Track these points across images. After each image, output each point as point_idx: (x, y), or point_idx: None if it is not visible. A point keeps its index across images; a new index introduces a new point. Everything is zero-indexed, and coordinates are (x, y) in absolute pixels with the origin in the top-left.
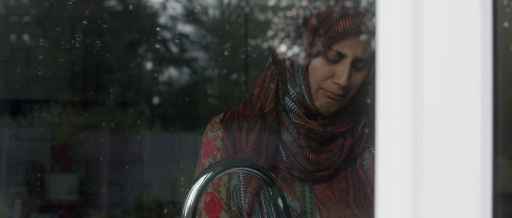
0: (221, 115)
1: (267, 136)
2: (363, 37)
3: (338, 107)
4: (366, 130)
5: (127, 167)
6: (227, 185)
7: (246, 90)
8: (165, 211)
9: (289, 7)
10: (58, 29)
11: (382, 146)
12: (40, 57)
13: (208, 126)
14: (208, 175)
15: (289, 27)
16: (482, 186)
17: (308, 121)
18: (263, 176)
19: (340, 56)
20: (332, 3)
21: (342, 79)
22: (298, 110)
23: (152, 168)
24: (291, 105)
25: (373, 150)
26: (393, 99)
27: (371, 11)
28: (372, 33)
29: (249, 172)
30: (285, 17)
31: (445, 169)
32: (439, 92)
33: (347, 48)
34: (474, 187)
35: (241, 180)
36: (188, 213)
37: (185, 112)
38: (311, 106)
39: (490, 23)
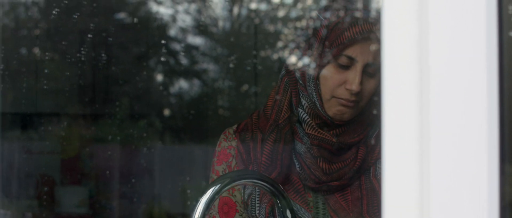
0: (235, 126)
1: (282, 147)
2: (373, 44)
3: (351, 115)
4: (380, 140)
5: (136, 180)
6: (241, 191)
7: (256, 102)
8: None
9: (299, 18)
10: (67, 42)
11: (388, 153)
12: (46, 71)
13: (222, 136)
14: (216, 187)
15: (299, 37)
16: (489, 195)
17: (321, 131)
18: (271, 187)
19: (351, 61)
20: (341, 13)
21: (354, 85)
22: (311, 121)
23: (162, 180)
24: (304, 116)
25: None
26: (399, 107)
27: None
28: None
29: (257, 184)
30: (295, 28)
31: (452, 177)
32: (445, 101)
33: (357, 53)
34: (481, 196)
35: (257, 191)
36: None
37: (195, 123)
38: (324, 115)
39: (495, 33)
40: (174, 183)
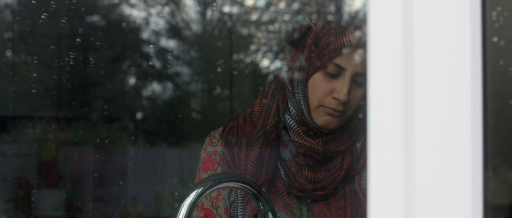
0: (220, 129)
1: (268, 153)
2: (362, 52)
3: (337, 125)
4: (366, 148)
5: (112, 183)
6: (226, 200)
7: (229, 105)
8: None
9: (272, 21)
10: (40, 45)
11: (374, 158)
12: (17, 72)
13: (207, 140)
14: (199, 190)
15: (286, 42)
16: (473, 199)
17: (307, 139)
18: (253, 190)
19: (340, 70)
20: (331, 20)
21: (342, 94)
22: (298, 128)
23: (137, 183)
24: (291, 123)
25: None
26: (384, 111)
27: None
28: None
29: (239, 186)
30: (274, 32)
31: (437, 181)
32: (430, 105)
33: (347, 62)
34: (466, 200)
35: (239, 198)
36: None
37: (168, 126)
38: (311, 123)
39: (479, 38)
40: (148, 186)
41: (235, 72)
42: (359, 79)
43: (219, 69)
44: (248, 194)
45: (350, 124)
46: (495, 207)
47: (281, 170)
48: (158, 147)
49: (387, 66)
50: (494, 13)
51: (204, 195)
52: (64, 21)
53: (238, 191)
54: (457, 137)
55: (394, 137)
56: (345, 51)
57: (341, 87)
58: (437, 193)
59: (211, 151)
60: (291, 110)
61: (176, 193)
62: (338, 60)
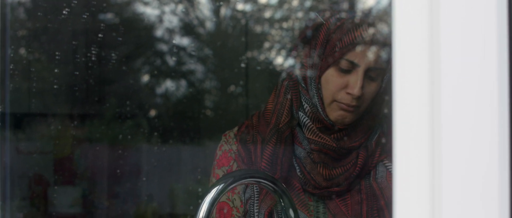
0: (235, 129)
1: (282, 151)
2: (375, 47)
3: (352, 119)
4: (380, 143)
5: (128, 179)
6: (241, 194)
7: (243, 102)
8: None
9: (286, 18)
10: (56, 43)
11: (399, 155)
12: (32, 70)
13: (223, 139)
14: (220, 186)
15: (298, 39)
16: (500, 194)
17: (322, 135)
18: (274, 186)
19: (353, 66)
20: (343, 16)
21: (355, 89)
22: (312, 125)
23: (153, 180)
24: (305, 120)
25: (387, 162)
26: (410, 108)
27: (382, 21)
28: (383, 43)
29: (260, 184)
30: (287, 29)
31: (463, 176)
32: (456, 100)
33: (359, 57)
34: (492, 195)
35: (255, 195)
36: None
37: (183, 124)
38: (325, 119)
39: (506, 34)
40: (163, 183)
41: (251, 69)
42: (373, 74)
43: (234, 67)
44: (270, 191)
45: (364, 120)
46: None
47: (297, 167)
48: (173, 144)
49: (412, 64)
50: None
51: (225, 191)
52: (78, 19)
53: (254, 187)
54: (483, 135)
55: (420, 135)
56: (357, 47)
57: (355, 82)
58: (463, 192)
59: (227, 149)
60: (305, 106)
61: (200, 190)
62: (350, 56)
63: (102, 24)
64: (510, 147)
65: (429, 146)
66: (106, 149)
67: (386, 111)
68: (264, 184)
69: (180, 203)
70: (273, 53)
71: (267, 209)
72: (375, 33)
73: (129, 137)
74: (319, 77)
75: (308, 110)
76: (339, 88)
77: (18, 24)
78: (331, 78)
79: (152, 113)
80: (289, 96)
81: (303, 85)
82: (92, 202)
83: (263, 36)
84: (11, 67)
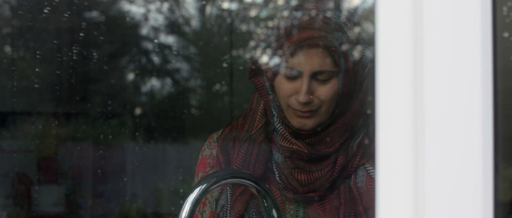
0: (220, 131)
1: (254, 157)
2: (319, 50)
3: (315, 124)
4: (362, 146)
5: (113, 178)
6: (212, 204)
7: (228, 101)
8: None
9: (271, 17)
10: (41, 41)
11: (382, 158)
12: (16, 68)
13: (206, 143)
14: (203, 186)
15: (267, 40)
16: (484, 194)
17: (294, 141)
18: (258, 187)
19: (297, 72)
20: (284, 22)
21: (300, 96)
22: (284, 130)
23: (138, 179)
24: (277, 125)
25: (369, 166)
26: (393, 106)
27: (329, 22)
28: (326, 45)
29: (243, 183)
30: (271, 28)
31: (447, 177)
32: (440, 100)
33: (302, 62)
34: (476, 195)
35: (229, 201)
36: None
37: (168, 122)
38: (289, 124)
39: (490, 34)
40: (148, 182)
41: (236, 68)
42: (321, 77)
43: (221, 65)
44: (253, 191)
45: (338, 123)
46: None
47: (276, 172)
48: (158, 143)
49: (395, 64)
50: (505, 8)
51: (208, 191)
52: (63, 16)
53: (228, 194)
54: (467, 134)
55: (403, 135)
56: (298, 52)
57: (300, 88)
58: (446, 187)
59: (208, 154)
60: (273, 113)
61: (182, 190)
62: (292, 63)
63: (87, 23)
64: (493, 148)
65: (413, 147)
66: (90, 148)
67: (369, 111)
68: (246, 184)
69: (164, 202)
70: (258, 52)
71: (236, 216)
72: (316, 35)
73: (111, 136)
74: (272, 85)
75: (276, 116)
76: (288, 94)
77: (2, 21)
78: (280, 86)
79: (137, 111)
80: (261, 103)
81: (269, 92)
82: (76, 201)
83: (248, 35)
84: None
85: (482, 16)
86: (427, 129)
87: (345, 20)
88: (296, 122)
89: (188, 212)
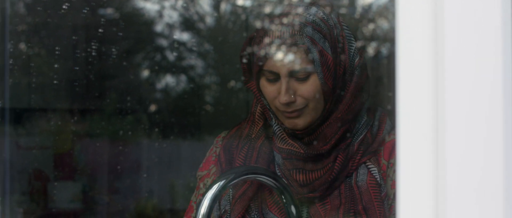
0: (227, 131)
1: (254, 159)
2: (292, 49)
3: (306, 123)
4: (363, 144)
5: (128, 175)
6: (216, 209)
7: (243, 97)
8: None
9: (285, 14)
10: (56, 38)
11: (403, 152)
12: (32, 65)
13: (214, 141)
14: (221, 183)
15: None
16: (505, 191)
17: (291, 142)
18: (276, 183)
19: (274, 74)
20: (260, 25)
21: (281, 98)
22: (281, 132)
23: (153, 175)
24: (275, 128)
25: (370, 164)
26: (413, 104)
27: (292, 23)
28: (295, 43)
29: (261, 179)
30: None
31: (468, 175)
32: (460, 98)
33: (276, 64)
34: (497, 194)
35: (229, 204)
36: None
37: (183, 119)
38: (282, 125)
39: (511, 32)
40: (163, 178)
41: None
42: (299, 75)
43: (234, 63)
44: (271, 187)
45: (332, 121)
46: None
47: (278, 174)
48: (173, 140)
49: (416, 56)
50: None
51: (226, 187)
52: (78, 13)
53: (230, 196)
54: (488, 134)
55: (424, 129)
56: (272, 55)
57: (279, 90)
58: (467, 185)
59: (213, 152)
60: (271, 115)
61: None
62: (267, 66)
63: (102, 19)
64: None
65: (433, 144)
66: (106, 144)
67: (389, 107)
68: (264, 181)
69: (180, 199)
70: (273, 49)
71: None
72: (287, 34)
73: (127, 133)
74: (258, 89)
75: (274, 118)
76: (272, 97)
77: (18, 18)
78: (264, 89)
79: (152, 108)
80: (258, 106)
81: (262, 96)
82: (92, 198)
83: (263, 32)
84: (11, 62)
85: (502, 10)
86: (448, 128)
87: (322, 15)
88: (287, 123)
89: (207, 208)
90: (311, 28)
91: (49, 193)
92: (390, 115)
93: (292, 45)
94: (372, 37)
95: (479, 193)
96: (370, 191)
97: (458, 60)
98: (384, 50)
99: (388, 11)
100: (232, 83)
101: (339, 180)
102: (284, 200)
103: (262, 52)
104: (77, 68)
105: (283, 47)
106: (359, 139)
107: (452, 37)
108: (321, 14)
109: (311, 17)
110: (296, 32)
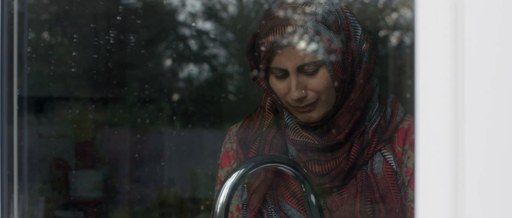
0: (239, 124)
1: (267, 153)
2: (297, 44)
3: (319, 115)
4: (378, 132)
5: (149, 164)
6: (239, 198)
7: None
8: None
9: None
10: (78, 26)
11: (422, 147)
12: (53, 54)
13: (227, 136)
14: (241, 171)
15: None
16: None
17: (305, 134)
18: (296, 172)
19: (282, 71)
20: (262, 23)
21: (292, 94)
22: (294, 124)
23: (175, 164)
24: (287, 120)
25: (385, 151)
26: (433, 100)
27: (302, 14)
28: (302, 38)
29: (280, 168)
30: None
31: (486, 170)
32: (480, 94)
33: (283, 61)
34: None
35: (245, 196)
36: (220, 209)
37: (205, 108)
38: (297, 120)
39: None
40: (184, 167)
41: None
42: (308, 69)
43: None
44: (290, 175)
45: (344, 110)
46: None
47: None
48: (195, 129)
49: (436, 51)
50: None
51: (245, 176)
52: (100, 2)
53: (245, 190)
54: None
55: (443, 124)
56: (276, 51)
57: (289, 86)
58: (487, 181)
59: (229, 147)
60: (283, 109)
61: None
62: (275, 63)
63: (124, 8)
64: None
65: (452, 140)
66: (127, 133)
67: (408, 95)
68: (284, 169)
69: (201, 187)
70: (295, 38)
71: (251, 213)
72: (287, 33)
73: (148, 121)
74: (268, 86)
75: (286, 111)
76: (283, 93)
77: (41, 7)
78: (274, 86)
79: (174, 97)
80: (268, 99)
81: (272, 92)
82: (113, 186)
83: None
84: (29, 50)
85: None
86: (467, 123)
87: (324, 5)
88: (301, 117)
89: (226, 197)
90: (315, 20)
91: (70, 181)
92: (402, 101)
93: (297, 39)
94: (395, 27)
95: (499, 188)
96: (387, 179)
97: (478, 55)
98: (407, 40)
99: (411, 0)
100: (254, 72)
101: (355, 168)
102: (304, 189)
103: (267, 50)
104: (99, 57)
105: (288, 43)
106: (373, 127)
107: (472, 32)
108: (324, 4)
109: (313, 9)
110: (299, 26)
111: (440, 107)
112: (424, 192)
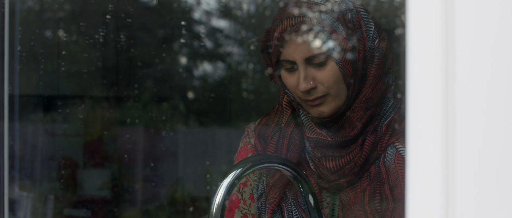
0: (258, 121)
1: (285, 148)
2: (304, 36)
3: (331, 109)
4: (391, 125)
5: (159, 163)
6: (254, 189)
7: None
8: (196, 206)
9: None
10: (90, 24)
11: (412, 146)
12: (64, 52)
13: (245, 131)
14: (238, 171)
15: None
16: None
17: (318, 131)
18: (294, 173)
19: (291, 64)
20: (274, 17)
21: (300, 85)
22: (309, 122)
23: (185, 163)
24: (303, 118)
25: (398, 144)
26: (423, 97)
27: (309, 6)
28: (309, 29)
29: (278, 168)
30: (325, 12)
31: (478, 167)
32: (471, 90)
33: (292, 53)
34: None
35: (264, 191)
36: (216, 209)
37: (218, 106)
38: (311, 115)
39: None
40: (196, 166)
41: None
42: (316, 61)
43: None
44: (288, 176)
45: (356, 105)
46: None
47: (310, 162)
48: (208, 127)
49: (426, 48)
50: None
51: (242, 176)
52: (114, 1)
53: (264, 184)
54: (499, 123)
55: (434, 123)
56: (285, 44)
57: (298, 78)
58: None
59: (247, 141)
60: (298, 106)
61: None
62: (284, 56)
63: (139, 7)
64: None
65: (443, 136)
66: (141, 131)
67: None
68: (282, 169)
69: (215, 186)
70: (311, 36)
71: (270, 207)
72: (294, 24)
73: (162, 120)
74: (281, 80)
75: (301, 108)
76: (294, 86)
77: (55, 6)
78: (285, 80)
79: (189, 95)
80: (285, 97)
81: (285, 89)
82: (121, 185)
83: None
84: (42, 51)
85: None
86: (458, 121)
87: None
88: (313, 112)
89: (222, 197)
90: (322, 12)
91: (79, 180)
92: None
93: (304, 31)
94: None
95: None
96: (398, 171)
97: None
98: None
99: None
100: (269, 70)
101: (369, 162)
102: (301, 189)
103: (277, 43)
104: (113, 55)
105: (296, 35)
106: (387, 121)
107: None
108: None
109: (322, 1)
110: (307, 18)
111: (430, 107)
112: (415, 192)
